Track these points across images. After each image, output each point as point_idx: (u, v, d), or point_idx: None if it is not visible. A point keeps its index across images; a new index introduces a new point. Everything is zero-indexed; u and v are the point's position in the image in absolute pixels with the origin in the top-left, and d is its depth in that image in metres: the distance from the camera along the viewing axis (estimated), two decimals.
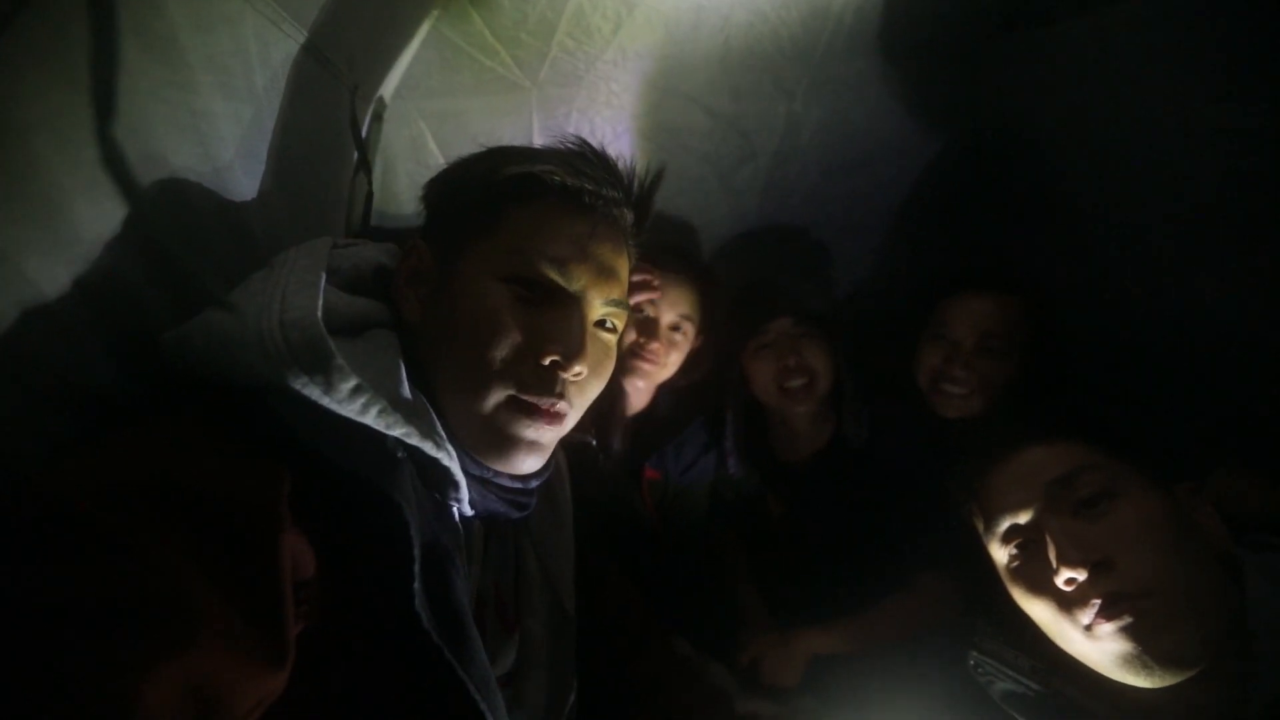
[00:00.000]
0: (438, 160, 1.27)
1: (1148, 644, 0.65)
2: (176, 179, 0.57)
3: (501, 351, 0.60)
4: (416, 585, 0.48)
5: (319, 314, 0.52)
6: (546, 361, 0.62)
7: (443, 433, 0.58)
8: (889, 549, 1.24)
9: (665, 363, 1.27)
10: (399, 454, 0.54)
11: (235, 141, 0.64)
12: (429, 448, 0.56)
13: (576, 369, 0.63)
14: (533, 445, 0.63)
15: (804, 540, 1.37)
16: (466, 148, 1.27)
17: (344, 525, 0.49)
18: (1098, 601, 0.67)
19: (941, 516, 0.99)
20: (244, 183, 0.67)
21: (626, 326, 1.18)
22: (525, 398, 0.62)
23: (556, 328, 0.62)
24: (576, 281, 0.64)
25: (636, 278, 1.17)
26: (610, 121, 1.31)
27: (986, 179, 1.44)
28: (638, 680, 0.83)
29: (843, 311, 1.63)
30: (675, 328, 1.24)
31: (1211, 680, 0.65)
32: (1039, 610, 0.75)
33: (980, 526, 0.85)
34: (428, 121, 1.25)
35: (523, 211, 0.64)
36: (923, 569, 1.20)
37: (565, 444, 1.06)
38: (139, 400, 0.53)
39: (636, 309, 1.22)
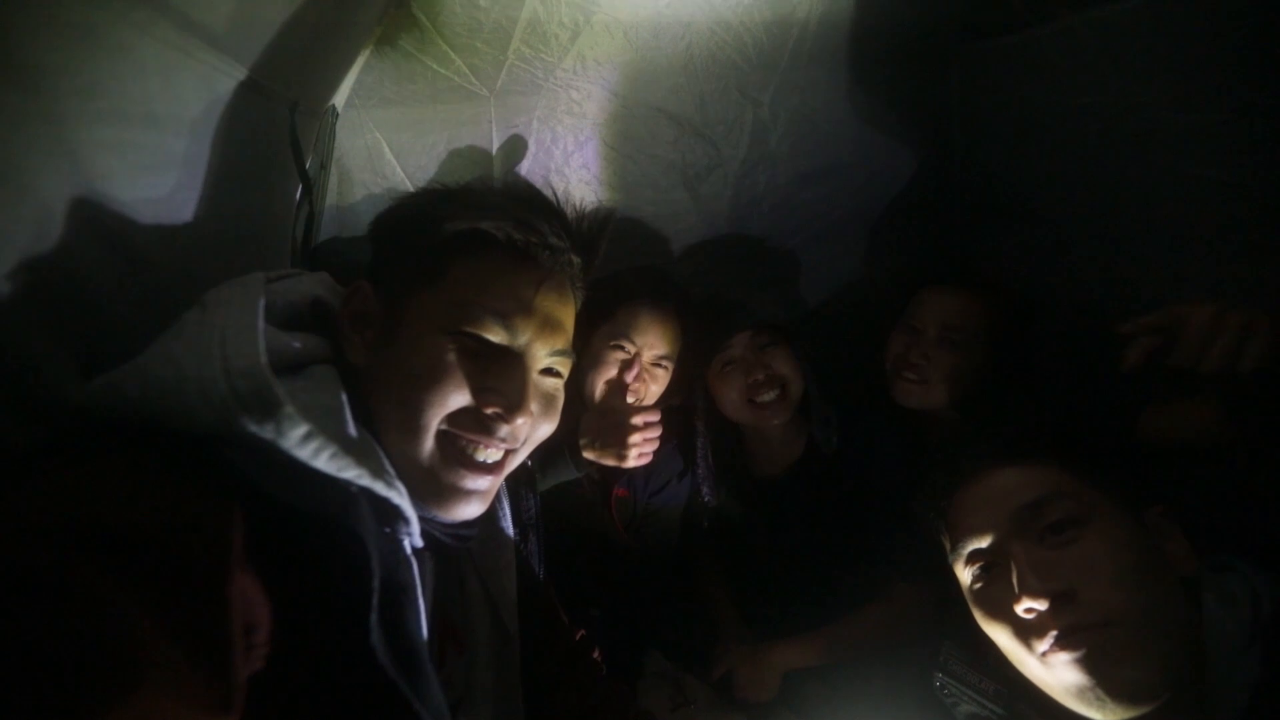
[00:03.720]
0: (395, 170, 1.24)
1: (1103, 677, 0.64)
2: (48, 208, 0.53)
3: (442, 400, 0.61)
4: (374, 618, 0.48)
5: (264, 359, 0.51)
6: (488, 412, 0.63)
7: (391, 470, 0.58)
8: (865, 558, 1.24)
9: (645, 397, 1.25)
10: (352, 489, 0.54)
11: (144, 171, 0.61)
12: (380, 487, 0.56)
13: (519, 421, 0.64)
14: (472, 494, 0.64)
15: (782, 554, 1.36)
16: (424, 157, 1.26)
17: (300, 563, 0.49)
18: (1055, 632, 0.67)
19: (915, 526, 0.99)
20: (159, 211, 0.64)
21: (607, 363, 1.19)
22: (468, 450, 0.63)
23: (499, 382, 0.63)
24: (521, 336, 0.65)
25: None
26: (572, 130, 1.28)
27: (953, 183, 1.43)
28: (566, 704, 0.84)
29: (812, 316, 1.63)
30: (656, 364, 1.22)
31: (1168, 708, 0.65)
32: (998, 634, 0.74)
33: (946, 545, 0.84)
34: (383, 131, 1.21)
35: (468, 265, 0.64)
36: (898, 579, 1.19)
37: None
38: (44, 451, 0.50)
39: (616, 345, 1.19)
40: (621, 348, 1.19)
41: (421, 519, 0.62)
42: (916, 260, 1.55)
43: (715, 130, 1.33)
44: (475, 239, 0.64)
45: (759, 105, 1.31)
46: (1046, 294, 1.31)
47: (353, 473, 0.54)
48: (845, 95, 1.32)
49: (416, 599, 0.60)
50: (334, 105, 1.11)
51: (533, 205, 0.68)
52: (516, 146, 1.28)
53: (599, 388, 1.19)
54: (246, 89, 0.72)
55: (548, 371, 0.68)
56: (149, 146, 0.60)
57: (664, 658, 1.33)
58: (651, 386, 1.21)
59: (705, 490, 1.33)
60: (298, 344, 0.58)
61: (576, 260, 0.70)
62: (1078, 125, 1.17)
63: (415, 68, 1.15)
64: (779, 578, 1.37)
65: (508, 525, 0.82)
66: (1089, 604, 0.66)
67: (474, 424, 0.63)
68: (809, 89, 1.30)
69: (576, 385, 1.21)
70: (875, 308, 1.42)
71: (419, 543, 0.63)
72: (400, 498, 0.58)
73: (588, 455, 1.09)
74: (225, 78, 0.69)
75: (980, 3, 1.21)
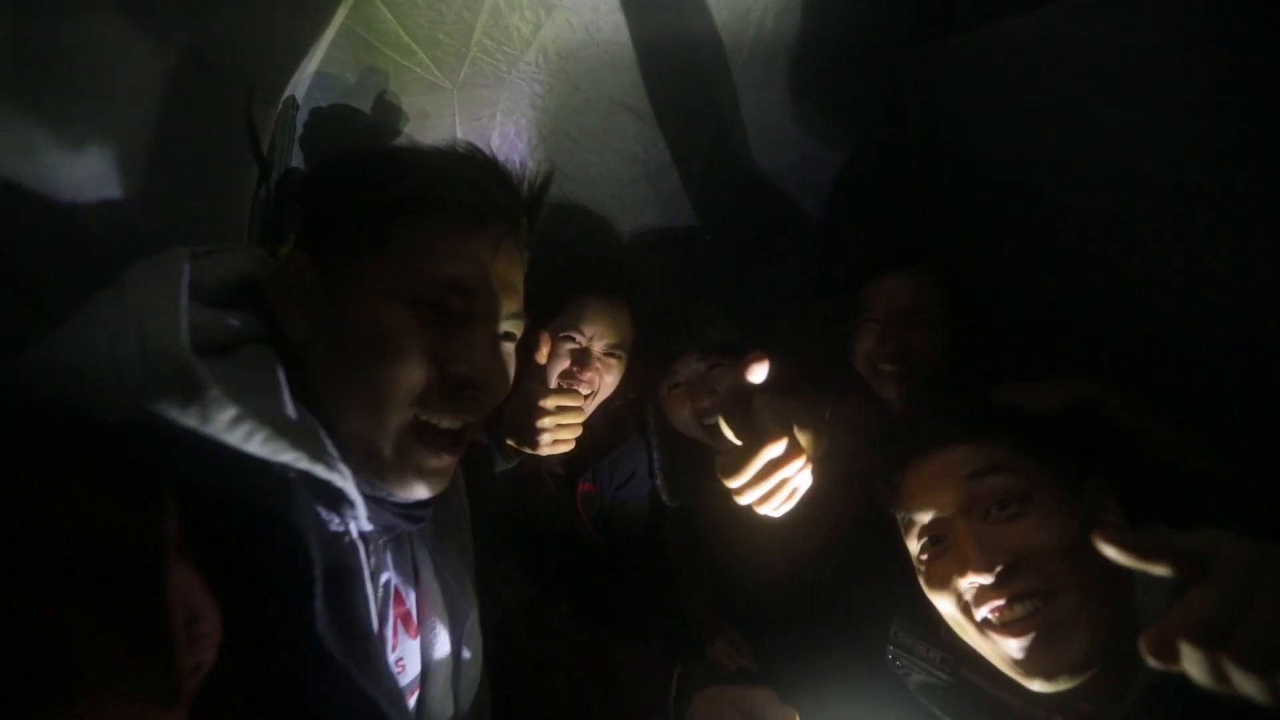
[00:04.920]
0: None
1: (1040, 649, 0.67)
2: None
3: (406, 377, 0.58)
4: (317, 605, 0.47)
5: (184, 339, 0.48)
6: (453, 382, 0.60)
7: (334, 452, 0.55)
8: (831, 546, 1.25)
9: (600, 388, 1.25)
10: (289, 475, 0.51)
11: (87, 143, 0.60)
12: (320, 470, 0.53)
13: (484, 388, 0.62)
14: (435, 473, 0.62)
15: (751, 547, 1.37)
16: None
17: (240, 551, 0.47)
18: (997, 601, 0.69)
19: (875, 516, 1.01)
20: (102, 185, 0.63)
21: (559, 355, 1.18)
22: (431, 420, 0.60)
23: (461, 350, 0.60)
24: (480, 300, 0.62)
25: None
26: (536, 124, 1.30)
27: (911, 177, 1.47)
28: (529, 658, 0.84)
29: (775, 310, 1.65)
30: (608, 354, 1.22)
31: (1102, 674, 0.68)
32: (943, 604, 0.76)
33: (899, 518, 0.86)
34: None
35: (417, 229, 0.61)
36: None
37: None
38: None
39: (567, 337, 1.19)
40: (572, 339, 1.18)
41: (372, 499, 0.60)
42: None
43: (677, 126, 1.36)
44: (421, 201, 0.60)
45: (719, 102, 1.34)
46: (998, 287, 1.35)
47: (289, 456, 0.50)
48: (803, 93, 1.36)
49: (363, 584, 0.59)
50: (293, 96, 1.11)
51: (476, 165, 0.65)
52: (480, 140, 1.29)
53: (552, 380, 1.19)
54: (200, 68, 0.72)
55: (504, 336, 0.66)
56: (94, 118, 0.59)
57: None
58: (605, 377, 1.21)
59: (664, 494, 1.33)
60: (228, 321, 0.55)
61: (524, 220, 0.68)
62: (1023, 123, 1.22)
63: (377, 58, 1.15)
64: (751, 568, 1.38)
65: (463, 506, 0.80)
66: (1031, 575, 0.69)
67: (443, 400, 0.60)
68: (767, 87, 1.33)
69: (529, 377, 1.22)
70: (834, 301, 1.45)
71: (366, 526, 0.60)
72: (343, 480, 0.54)
73: (509, 442, 1.05)
74: (177, 56, 0.68)
75: (928, 4, 1.25)
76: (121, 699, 0.37)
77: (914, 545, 0.82)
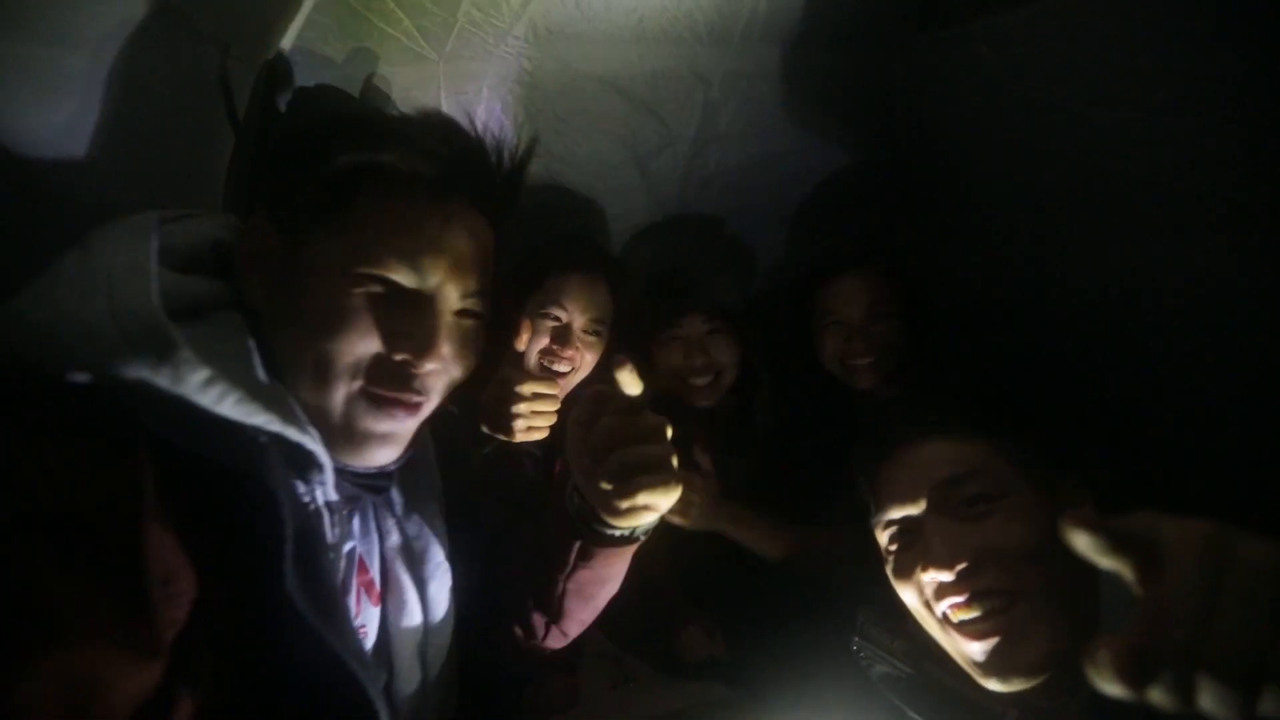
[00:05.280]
0: None
1: (998, 652, 0.67)
2: None
3: (350, 349, 0.58)
4: (289, 566, 0.48)
5: (156, 299, 0.48)
6: (398, 359, 0.60)
7: (303, 416, 0.55)
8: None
9: (580, 366, 1.25)
10: (261, 439, 0.52)
11: (48, 92, 0.58)
12: (292, 433, 0.53)
13: (430, 366, 0.61)
14: (386, 438, 0.62)
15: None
16: None
17: (214, 513, 0.48)
18: (958, 599, 0.69)
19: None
20: (64, 139, 0.61)
21: (539, 333, 1.18)
22: (376, 390, 0.60)
23: (408, 325, 0.60)
24: (430, 277, 0.61)
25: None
26: (523, 100, 1.27)
27: (899, 171, 1.47)
28: None
29: (761, 301, 1.65)
30: (589, 331, 1.22)
31: (1064, 672, 0.68)
32: (908, 596, 0.77)
33: (871, 510, 0.86)
34: None
35: (371, 201, 0.60)
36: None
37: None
38: None
39: (547, 314, 1.19)
40: (552, 316, 1.19)
41: (335, 470, 0.60)
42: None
43: (666, 108, 1.34)
44: (381, 172, 0.60)
45: (710, 86, 1.32)
46: (981, 279, 1.36)
47: (262, 418, 0.51)
48: (795, 79, 1.35)
49: (328, 551, 0.59)
50: (282, 51, 1.07)
51: (444, 136, 0.64)
52: (465, 115, 1.26)
53: (531, 358, 1.18)
54: (171, 21, 0.69)
55: (464, 313, 0.65)
56: (54, 64, 0.57)
57: (605, 637, 1.33)
58: (586, 354, 1.21)
59: None
60: (198, 288, 0.55)
61: (496, 192, 0.67)
62: (1009, 119, 1.22)
63: (361, 26, 1.12)
64: (718, 550, 1.38)
65: (434, 476, 0.79)
66: (994, 574, 0.69)
67: (388, 377, 0.60)
68: (759, 72, 1.32)
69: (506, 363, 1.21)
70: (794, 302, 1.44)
71: (332, 495, 0.60)
72: (314, 443, 0.55)
73: (484, 429, 1.05)
74: (147, 6, 0.66)
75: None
76: (102, 650, 0.38)
77: (883, 536, 0.82)
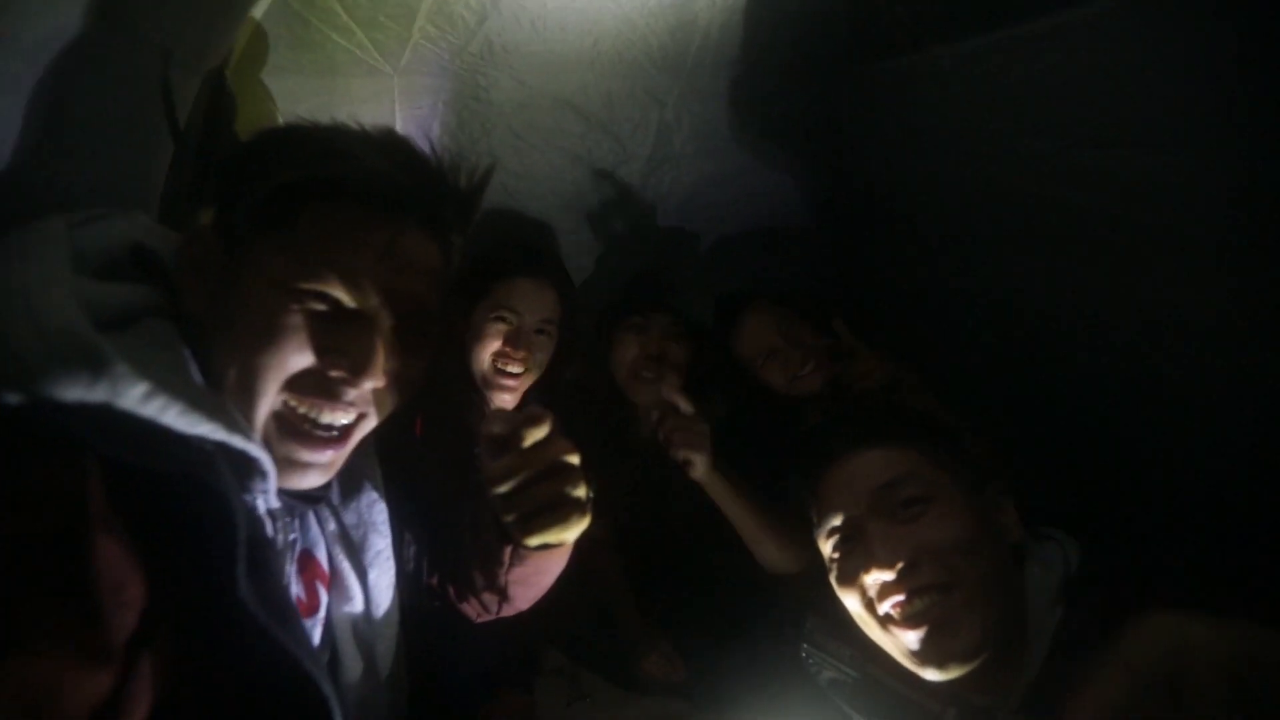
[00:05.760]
0: None
1: (935, 638, 0.71)
2: None
3: (281, 363, 0.57)
4: (241, 571, 0.47)
5: (79, 313, 0.47)
6: (333, 375, 0.59)
7: (244, 423, 0.55)
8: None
9: (533, 366, 1.26)
10: (206, 447, 0.51)
11: None
12: (237, 441, 0.52)
13: (367, 384, 0.60)
14: (310, 466, 0.61)
15: (671, 529, 1.39)
16: None
17: (163, 520, 0.47)
18: (899, 597, 0.73)
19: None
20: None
21: (490, 335, 1.19)
22: (309, 413, 0.59)
23: (344, 343, 0.59)
24: (372, 296, 0.60)
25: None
26: (479, 117, 1.28)
27: (843, 194, 1.53)
28: None
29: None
30: (539, 331, 1.24)
31: (993, 663, 0.72)
32: (851, 601, 0.80)
33: (814, 520, 0.89)
34: (277, 101, 1.16)
35: (316, 216, 0.59)
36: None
37: None
38: None
39: (498, 318, 1.21)
40: (503, 318, 1.21)
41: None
42: (811, 268, 1.64)
43: (621, 128, 1.37)
44: (328, 189, 0.59)
45: (664, 106, 1.36)
46: (920, 300, 1.42)
47: (206, 428, 0.50)
48: (744, 104, 1.40)
49: (275, 553, 0.59)
50: (221, 68, 1.06)
51: (393, 154, 0.63)
52: (421, 130, 1.26)
53: (485, 361, 1.19)
54: (110, 26, 0.67)
55: (405, 333, 0.63)
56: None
57: (560, 652, 1.32)
58: (536, 354, 1.23)
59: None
60: (122, 295, 0.53)
61: (446, 214, 0.66)
62: (946, 149, 1.29)
63: (313, 36, 1.11)
64: (672, 556, 1.39)
65: (376, 480, 0.78)
66: (930, 570, 0.73)
67: (315, 387, 0.58)
68: (712, 95, 1.36)
69: (462, 362, 1.21)
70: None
71: (274, 502, 0.59)
72: (259, 450, 0.54)
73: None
74: (86, 9, 0.64)
75: (865, 27, 1.31)
76: (54, 658, 0.38)
77: (827, 545, 0.85)
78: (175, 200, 0.93)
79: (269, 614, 0.48)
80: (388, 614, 0.74)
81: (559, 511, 0.60)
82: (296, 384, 0.58)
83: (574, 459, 0.61)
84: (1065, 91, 1.05)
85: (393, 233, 0.61)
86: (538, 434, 0.60)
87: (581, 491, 0.62)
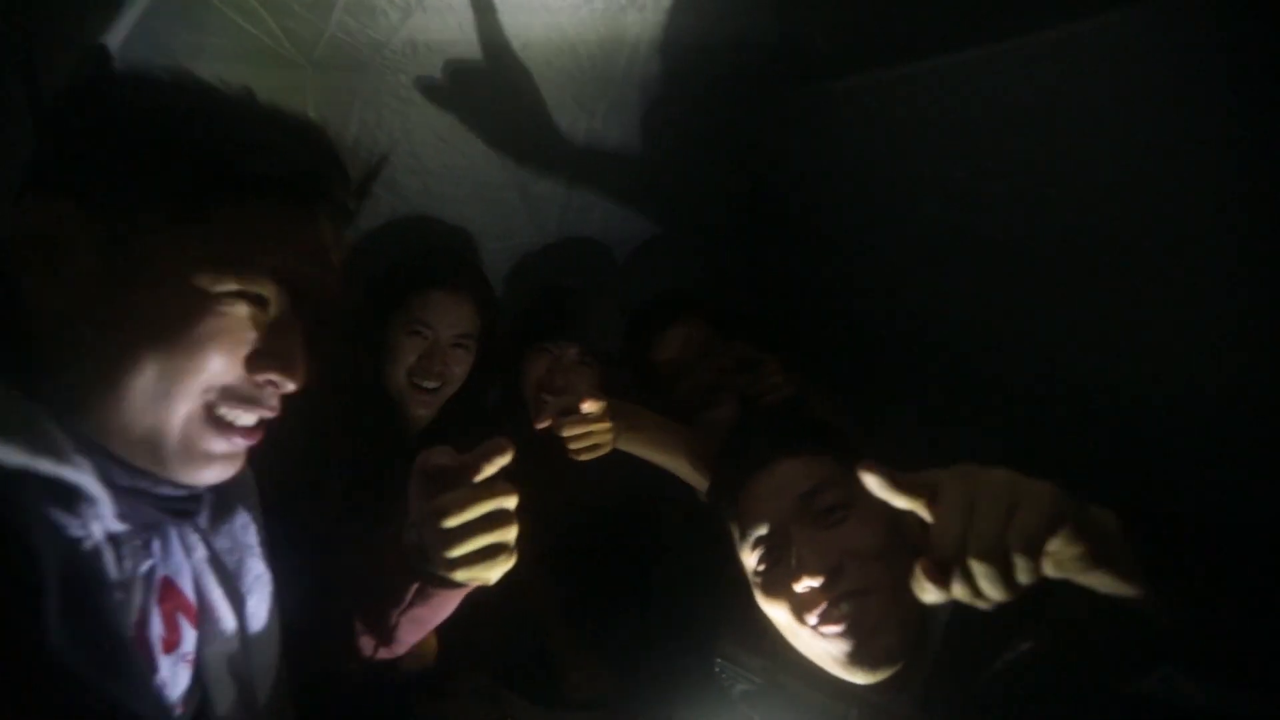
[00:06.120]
0: None
1: (863, 642, 0.74)
2: None
3: (204, 367, 0.53)
4: (51, 620, 0.41)
5: None
6: (260, 379, 0.56)
7: (64, 445, 0.48)
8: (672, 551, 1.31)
9: (450, 380, 1.22)
10: (7, 471, 0.44)
11: None
12: (45, 465, 0.46)
13: (292, 386, 0.59)
14: (227, 459, 0.58)
15: (595, 549, 1.38)
16: None
17: None
18: (825, 604, 0.75)
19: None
20: None
21: (405, 349, 1.15)
22: (225, 411, 0.56)
23: (271, 349, 0.57)
24: (290, 297, 0.58)
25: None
26: (399, 116, 1.23)
27: (766, 214, 1.57)
28: None
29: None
30: (456, 345, 1.20)
31: (906, 668, 0.76)
32: (778, 612, 0.82)
33: (736, 533, 0.90)
34: None
35: (235, 212, 0.55)
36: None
37: None
38: None
39: (413, 332, 1.16)
40: (419, 333, 1.17)
41: (130, 493, 0.54)
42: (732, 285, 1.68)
43: (549, 135, 1.35)
44: (250, 182, 0.55)
45: (592, 116, 1.35)
46: (835, 318, 1.48)
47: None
48: (671, 123, 1.41)
49: (111, 591, 0.51)
50: (105, 45, 0.96)
51: (312, 142, 0.60)
52: (337, 127, 1.20)
53: (399, 376, 1.15)
54: None
55: (321, 329, 0.62)
56: None
57: (482, 674, 1.29)
58: (454, 368, 1.20)
59: None
60: None
61: (351, 207, 0.64)
62: (864, 175, 1.35)
63: (215, 19, 1.04)
64: (597, 572, 1.38)
65: (251, 491, 0.73)
66: (854, 575, 0.76)
67: (239, 394, 0.56)
68: (639, 108, 1.37)
69: (375, 373, 1.16)
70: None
71: (114, 526, 0.52)
72: (78, 475, 0.48)
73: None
74: None
75: (789, 53, 1.35)
76: None
77: (751, 558, 0.87)
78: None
79: (94, 662, 0.43)
80: (266, 640, 0.68)
81: (495, 557, 0.62)
82: (221, 391, 0.55)
83: (513, 502, 0.63)
84: (977, 125, 1.12)
85: (313, 229, 0.59)
86: (492, 469, 0.61)
87: (514, 534, 0.63)
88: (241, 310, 0.55)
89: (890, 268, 1.35)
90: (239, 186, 0.55)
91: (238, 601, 0.66)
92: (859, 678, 0.76)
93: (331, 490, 1.06)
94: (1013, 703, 0.68)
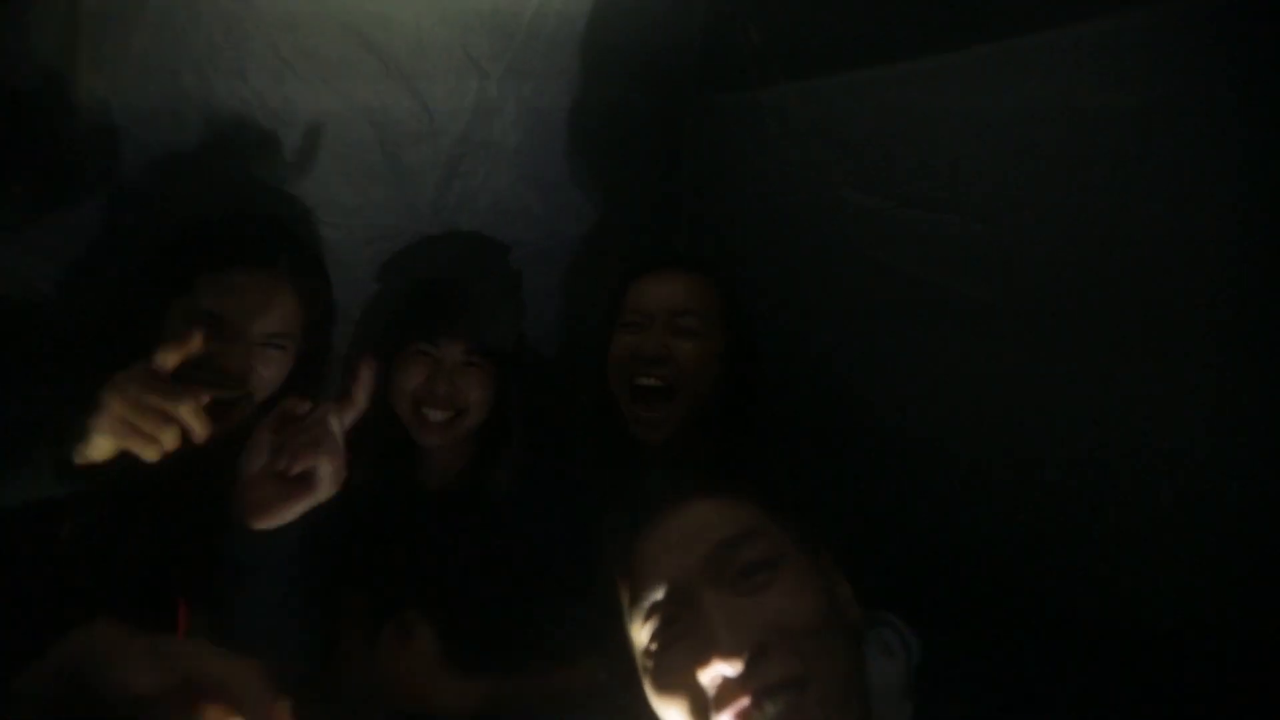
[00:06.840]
0: None
1: None
2: None
3: None
4: None
5: None
6: None
7: None
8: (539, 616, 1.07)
9: (260, 383, 0.91)
10: None
11: None
12: None
13: None
14: None
15: (445, 588, 1.11)
16: None
17: None
18: (745, 701, 0.56)
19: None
20: None
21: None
22: None
23: None
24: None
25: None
26: (224, 20, 0.94)
27: (681, 223, 1.43)
28: None
29: (525, 347, 1.45)
30: (267, 344, 0.91)
31: None
32: (674, 713, 0.61)
33: (625, 599, 0.70)
34: None
35: None
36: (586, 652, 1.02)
37: None
38: None
39: (200, 324, 0.83)
40: (208, 324, 0.85)
41: None
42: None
43: (430, 89, 1.11)
44: None
45: (486, 76, 1.13)
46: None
47: None
48: (583, 101, 1.23)
49: None
50: None
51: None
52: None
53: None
54: None
55: None
56: None
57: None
58: (264, 373, 0.91)
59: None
60: None
61: None
62: (782, 191, 1.24)
63: None
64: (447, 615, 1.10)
65: None
66: (783, 660, 0.57)
67: None
68: (546, 77, 1.17)
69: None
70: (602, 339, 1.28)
71: None
72: None
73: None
74: None
75: (716, 55, 1.24)
76: None
77: (643, 633, 0.66)
78: None
79: None
80: None
81: None
82: None
83: None
84: (902, 145, 1.04)
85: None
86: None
87: None
88: None
89: (803, 295, 1.24)
90: None
91: None
92: None
93: None
94: None
